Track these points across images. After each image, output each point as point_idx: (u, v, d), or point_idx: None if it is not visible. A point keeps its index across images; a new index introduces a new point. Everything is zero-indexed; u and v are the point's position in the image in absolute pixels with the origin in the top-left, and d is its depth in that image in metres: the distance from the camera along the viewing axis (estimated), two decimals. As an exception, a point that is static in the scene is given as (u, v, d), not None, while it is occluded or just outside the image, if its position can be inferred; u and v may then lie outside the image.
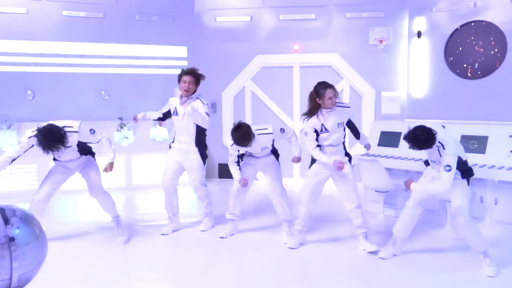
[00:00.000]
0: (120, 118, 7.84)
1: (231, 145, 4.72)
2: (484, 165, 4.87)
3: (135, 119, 5.16)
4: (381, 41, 7.87)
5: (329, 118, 4.36)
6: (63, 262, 4.24)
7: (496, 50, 6.75)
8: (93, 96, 7.94)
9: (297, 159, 4.84)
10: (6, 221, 2.12)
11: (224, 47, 8.36)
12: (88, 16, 7.80)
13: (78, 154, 4.51)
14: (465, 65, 7.08)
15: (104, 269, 4.12)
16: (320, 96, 4.31)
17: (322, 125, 4.35)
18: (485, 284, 3.77)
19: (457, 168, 3.91)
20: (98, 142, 4.49)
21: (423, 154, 4.30)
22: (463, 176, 4.03)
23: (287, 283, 3.92)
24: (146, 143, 8.03)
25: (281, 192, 4.87)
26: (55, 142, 4.04)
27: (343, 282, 3.84)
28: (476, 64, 6.96)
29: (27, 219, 2.25)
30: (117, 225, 4.73)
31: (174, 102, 5.06)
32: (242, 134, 4.51)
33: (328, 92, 4.28)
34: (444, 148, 3.89)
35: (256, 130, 4.66)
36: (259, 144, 4.69)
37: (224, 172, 8.43)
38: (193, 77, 4.97)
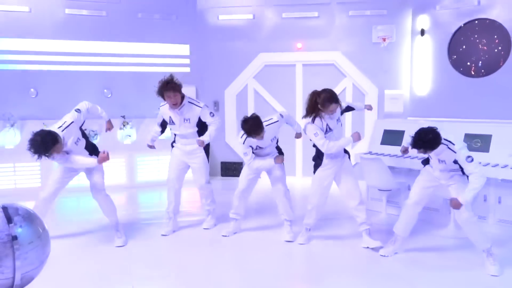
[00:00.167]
0: (123, 116, 7.83)
1: (244, 142, 4.68)
2: (488, 164, 4.85)
3: (151, 147, 5.25)
4: (384, 39, 7.83)
5: (330, 118, 4.42)
6: (66, 260, 4.24)
7: (500, 48, 6.72)
8: (95, 94, 7.92)
9: (299, 135, 5.10)
10: (9, 220, 2.12)
11: (227, 45, 8.35)
12: (90, 14, 7.79)
13: (86, 151, 4.51)
14: (468, 63, 7.05)
15: (107, 267, 4.12)
16: (322, 106, 4.30)
17: (327, 125, 4.40)
18: (488, 283, 3.76)
19: (458, 164, 3.94)
20: (91, 112, 4.63)
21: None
22: (463, 172, 4.03)
23: (289, 282, 3.92)
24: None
25: (285, 192, 4.86)
26: (50, 147, 4.02)
27: (345, 281, 3.84)
28: (480, 62, 6.93)
29: (30, 218, 2.25)
30: (115, 229, 4.72)
31: (166, 112, 4.94)
32: (253, 123, 4.52)
33: (333, 106, 4.31)
34: (453, 144, 3.87)
35: (263, 122, 4.67)
36: (269, 135, 4.71)
37: (226, 170, 8.44)
38: (174, 92, 4.72)
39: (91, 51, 7.87)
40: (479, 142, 5.10)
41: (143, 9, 8.08)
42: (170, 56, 8.29)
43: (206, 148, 5.11)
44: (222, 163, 8.50)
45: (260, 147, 4.78)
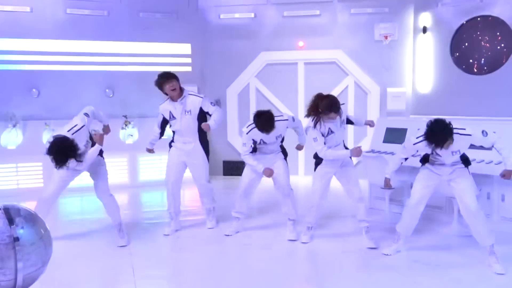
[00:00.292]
0: (125, 116, 7.83)
1: (247, 133, 4.69)
2: (491, 161, 4.82)
3: (150, 151, 5.20)
4: (386, 37, 7.81)
5: (331, 122, 4.41)
6: (69, 261, 4.24)
7: (502, 45, 6.70)
8: (97, 94, 7.93)
9: (301, 147, 5.09)
10: (11, 221, 2.11)
11: (228, 44, 8.33)
12: (92, 14, 7.79)
13: (90, 147, 4.49)
14: (471, 61, 7.03)
15: (110, 267, 4.12)
16: (322, 112, 4.29)
17: (329, 128, 4.39)
18: (492, 281, 3.74)
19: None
20: (93, 117, 4.59)
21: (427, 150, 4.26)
22: (465, 165, 4.06)
23: (292, 280, 3.91)
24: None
25: (288, 192, 4.84)
26: (70, 157, 4.04)
27: (348, 279, 3.82)
28: (483, 59, 6.90)
29: (32, 219, 2.24)
30: (118, 229, 4.71)
31: (166, 107, 4.92)
32: (267, 118, 4.53)
33: (332, 114, 4.30)
34: (464, 129, 3.84)
35: (276, 119, 4.70)
36: (276, 132, 4.70)
37: (228, 169, 8.43)
38: (174, 79, 4.77)
39: (92, 51, 7.86)
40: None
41: (144, 8, 8.07)
42: (171, 55, 8.27)
43: (206, 147, 5.06)
44: (224, 162, 8.49)
45: (264, 142, 4.76)
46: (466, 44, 7.04)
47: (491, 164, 4.80)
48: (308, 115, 4.42)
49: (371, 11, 7.93)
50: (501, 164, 4.74)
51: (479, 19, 6.90)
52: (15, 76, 7.52)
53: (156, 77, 4.83)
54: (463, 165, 4.07)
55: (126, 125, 7.82)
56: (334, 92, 8.13)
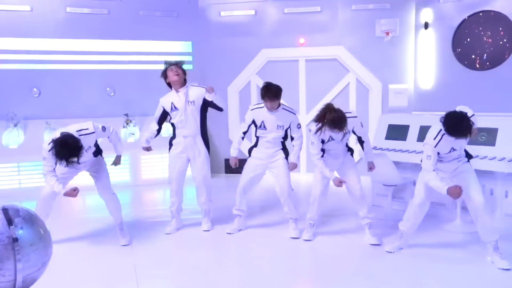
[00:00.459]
0: (126, 115, 7.82)
1: (252, 109, 4.79)
2: (494, 158, 4.80)
3: (148, 149, 5.09)
4: (387, 33, 7.77)
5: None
6: (71, 260, 4.24)
7: (505, 40, 6.65)
8: (98, 93, 7.92)
9: (294, 166, 4.82)
10: (10, 222, 2.09)
11: (229, 42, 8.31)
12: (92, 13, 7.77)
13: (93, 155, 4.49)
14: (473, 56, 6.99)
15: (112, 266, 4.11)
16: (327, 124, 4.24)
17: (330, 136, 4.38)
18: (496, 277, 3.72)
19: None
20: (109, 137, 4.51)
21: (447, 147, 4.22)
22: (467, 158, 4.07)
23: (295, 278, 3.90)
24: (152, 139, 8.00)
25: (289, 192, 4.79)
26: (72, 156, 4.02)
27: (350, 276, 3.81)
28: (485, 55, 6.86)
29: (31, 219, 2.22)
30: (119, 229, 4.70)
31: (168, 99, 4.88)
32: (275, 87, 4.61)
33: (335, 130, 4.26)
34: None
35: (283, 104, 4.73)
36: (279, 119, 4.69)
37: (230, 167, 8.37)
38: (178, 66, 4.84)
39: (93, 50, 7.84)
40: (484, 136, 5.05)
41: (145, 6, 8.05)
42: (172, 53, 8.24)
43: (206, 142, 4.99)
44: (226, 160, 8.47)
45: (264, 127, 4.73)
46: (468, 39, 7.00)
47: (494, 160, 4.77)
48: (315, 121, 4.35)
49: (372, 7, 7.89)
50: (504, 160, 4.73)
51: (481, 14, 6.86)
52: (15, 76, 7.51)
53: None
54: (467, 159, 4.06)
55: (127, 123, 7.81)
56: (336, 89, 8.14)
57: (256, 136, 4.89)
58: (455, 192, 3.71)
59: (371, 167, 4.69)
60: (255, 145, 4.90)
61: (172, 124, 4.96)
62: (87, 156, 4.35)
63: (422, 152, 4.86)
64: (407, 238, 4.32)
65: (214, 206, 5.22)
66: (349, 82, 8.10)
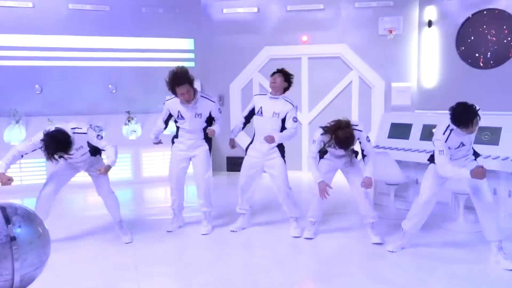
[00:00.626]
0: (128, 112, 7.80)
1: (256, 94, 5.07)
2: (498, 157, 4.76)
3: (158, 143, 4.99)
4: (390, 31, 7.73)
5: None
6: (71, 258, 4.23)
7: (509, 38, 6.61)
8: (100, 90, 7.91)
9: (270, 138, 4.55)
10: (8, 220, 2.07)
11: (232, 39, 8.28)
12: (94, 9, 7.75)
13: (89, 154, 4.46)
14: (477, 55, 6.95)
15: (112, 264, 4.09)
16: (335, 142, 4.21)
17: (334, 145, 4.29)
18: (500, 277, 3.69)
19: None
20: (103, 148, 4.40)
21: (430, 146, 4.21)
22: (475, 157, 4.04)
23: (296, 276, 3.87)
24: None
25: (286, 193, 4.75)
26: (59, 151, 4.03)
27: (352, 275, 3.78)
28: (489, 53, 6.82)
29: (29, 218, 2.20)
30: (119, 227, 4.68)
31: (175, 106, 4.69)
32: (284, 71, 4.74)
33: (341, 148, 4.23)
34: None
35: (285, 95, 4.76)
36: (277, 106, 4.66)
37: (232, 165, 8.39)
38: (187, 84, 4.46)
39: (95, 46, 7.82)
40: (488, 135, 5.01)
41: (147, 3, 8.02)
42: (174, 50, 8.23)
43: (209, 144, 4.93)
44: (228, 158, 8.46)
45: (261, 112, 4.71)
46: (472, 38, 6.96)
47: (497, 159, 4.74)
48: (325, 131, 4.28)
49: (376, 5, 7.85)
50: (508, 160, 4.70)
51: (485, 12, 6.81)
52: (17, 72, 7.50)
53: (168, 74, 4.48)
54: (474, 157, 4.03)
55: (129, 121, 7.79)
56: (338, 87, 8.11)
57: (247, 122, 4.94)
58: (480, 172, 3.62)
59: (365, 181, 4.26)
60: (251, 141, 4.88)
61: (176, 121, 4.92)
62: (78, 154, 4.34)
63: (424, 150, 4.85)
64: (410, 238, 4.29)
65: (214, 208, 5.13)
66: (352, 80, 8.06)
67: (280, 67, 4.88)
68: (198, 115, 4.69)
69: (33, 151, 4.26)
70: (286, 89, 4.79)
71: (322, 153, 4.58)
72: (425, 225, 4.38)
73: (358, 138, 4.34)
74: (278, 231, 4.93)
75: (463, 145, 3.93)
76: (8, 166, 4.21)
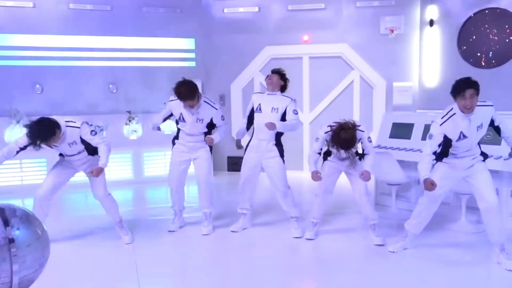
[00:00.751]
0: (129, 112, 7.79)
1: (254, 93, 4.99)
2: (500, 157, 4.73)
3: (158, 129, 4.95)
4: (392, 31, 7.71)
5: None
6: (72, 258, 4.21)
7: (511, 38, 6.58)
8: (101, 90, 7.90)
9: (271, 125, 4.50)
10: (6, 222, 2.05)
11: (233, 39, 8.26)
12: (95, 9, 7.74)
13: (86, 153, 4.44)
14: (479, 54, 6.92)
15: (113, 264, 4.08)
16: (337, 143, 4.19)
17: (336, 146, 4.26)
18: (503, 278, 3.67)
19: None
20: (96, 145, 4.37)
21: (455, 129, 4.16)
22: (483, 158, 3.96)
23: (297, 277, 3.86)
24: (154, 136, 7.93)
25: (284, 192, 4.74)
26: (41, 137, 4.01)
27: (353, 276, 3.76)
28: (491, 52, 6.79)
29: (28, 220, 2.18)
30: (119, 227, 4.66)
31: (177, 108, 4.67)
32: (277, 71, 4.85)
33: (343, 151, 4.23)
34: (484, 101, 3.90)
35: (282, 93, 4.79)
36: (275, 102, 4.69)
37: (233, 164, 8.38)
38: (193, 98, 4.50)
39: (96, 46, 7.82)
40: (490, 135, 4.98)
41: (148, 2, 8.01)
42: (175, 50, 8.22)
43: (210, 147, 4.89)
44: (228, 157, 8.44)
45: (260, 109, 4.71)
46: (474, 37, 6.93)
47: (500, 159, 4.71)
48: (328, 131, 4.28)
49: (377, 4, 7.83)
50: (510, 160, 4.67)
51: (487, 11, 6.78)
52: (18, 72, 7.49)
53: (176, 84, 4.51)
54: (482, 158, 3.96)
55: (130, 120, 7.78)
56: (340, 87, 8.09)
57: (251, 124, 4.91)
58: (429, 186, 3.69)
59: (363, 173, 4.22)
60: (250, 139, 4.87)
61: (177, 122, 4.90)
62: (73, 151, 4.33)
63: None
64: (412, 238, 4.26)
65: (215, 208, 5.12)
66: (353, 80, 8.04)
67: (281, 67, 4.90)
68: (200, 120, 4.69)
69: (23, 147, 4.21)
70: (283, 88, 4.82)
71: (326, 154, 4.56)
72: (427, 225, 4.35)
73: (360, 139, 4.32)
74: (279, 231, 4.92)
75: (464, 136, 3.80)
76: (4, 157, 4.17)
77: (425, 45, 7.60)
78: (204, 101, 4.68)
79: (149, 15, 8.03)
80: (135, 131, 7.81)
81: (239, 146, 5.11)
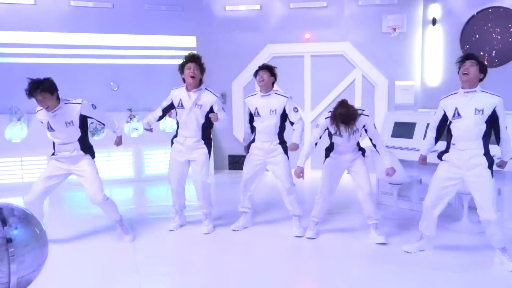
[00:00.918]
0: (130, 109, 7.78)
1: (246, 97, 4.98)
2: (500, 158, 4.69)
3: (149, 130, 4.89)
4: (394, 29, 7.67)
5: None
6: (72, 256, 4.20)
7: (514, 37, 6.54)
8: (102, 87, 7.88)
9: (295, 146, 4.70)
10: (4, 222, 2.03)
11: (234, 37, 8.23)
12: (96, 6, 7.72)
13: (78, 137, 4.36)
14: (481, 53, 6.87)
15: (113, 263, 4.07)
16: (336, 119, 4.22)
17: (338, 131, 4.27)
18: (504, 279, 3.65)
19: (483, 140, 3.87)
20: (100, 119, 4.51)
21: (438, 145, 4.17)
22: (486, 156, 3.83)
23: (298, 276, 3.84)
24: (155, 134, 7.91)
25: (289, 189, 4.73)
26: (38, 86, 4.16)
27: (354, 276, 3.75)
28: (493, 52, 6.76)
29: (27, 219, 2.16)
30: (120, 226, 4.62)
31: (178, 94, 4.72)
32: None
33: (342, 126, 4.20)
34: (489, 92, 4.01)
35: (275, 89, 4.83)
36: (271, 103, 4.69)
37: (234, 163, 8.36)
38: (197, 64, 4.66)
39: (97, 44, 7.80)
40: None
41: (149, 0, 7.98)
42: (176, 48, 8.19)
43: (209, 144, 4.84)
44: (230, 156, 8.43)
45: (258, 113, 4.71)
46: (477, 36, 6.90)
47: (501, 160, 4.67)
48: (327, 117, 4.34)
49: (379, 3, 7.79)
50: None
51: (490, 10, 6.74)
52: (19, 70, 7.44)
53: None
54: (487, 163, 3.79)
55: (131, 118, 7.76)
56: (342, 86, 8.06)
57: (254, 126, 4.88)
58: (420, 161, 4.32)
59: (389, 172, 4.38)
60: (253, 140, 4.85)
61: (177, 122, 4.88)
62: (72, 131, 4.31)
63: (436, 150, 4.70)
64: (428, 240, 4.19)
65: (216, 206, 5.13)
66: (355, 79, 8.01)
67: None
68: (198, 105, 4.66)
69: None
70: (273, 83, 4.83)
71: (328, 150, 4.55)
72: (429, 226, 4.34)
73: (364, 125, 4.31)
74: (280, 230, 4.90)
75: (459, 114, 3.87)
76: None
77: (428, 44, 7.56)
78: (205, 88, 4.74)
79: (151, 12, 8.00)
80: (136, 129, 7.79)
81: (248, 152, 5.00)
